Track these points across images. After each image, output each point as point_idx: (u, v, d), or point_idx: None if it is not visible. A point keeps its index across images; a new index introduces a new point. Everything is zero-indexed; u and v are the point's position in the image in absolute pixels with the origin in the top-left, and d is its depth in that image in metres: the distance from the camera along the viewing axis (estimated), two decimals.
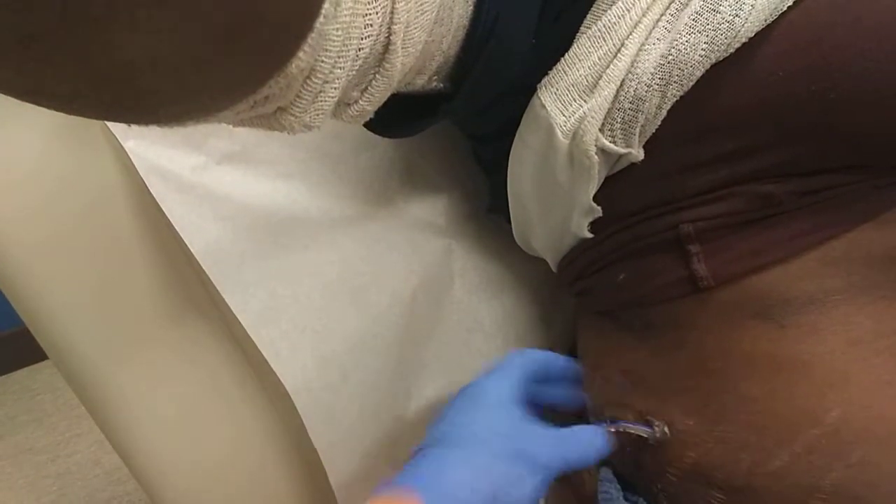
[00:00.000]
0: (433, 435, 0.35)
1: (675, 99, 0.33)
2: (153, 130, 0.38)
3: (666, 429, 0.39)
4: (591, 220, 0.39)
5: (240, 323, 0.39)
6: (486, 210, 0.53)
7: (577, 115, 0.35)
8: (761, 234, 0.35)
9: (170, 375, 0.43)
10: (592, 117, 0.34)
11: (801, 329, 0.34)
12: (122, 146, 0.37)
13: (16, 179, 0.37)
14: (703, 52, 0.32)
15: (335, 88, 0.24)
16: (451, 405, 0.37)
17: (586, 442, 0.38)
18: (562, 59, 0.36)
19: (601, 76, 0.34)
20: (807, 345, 0.34)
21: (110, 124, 0.37)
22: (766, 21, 0.31)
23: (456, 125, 0.48)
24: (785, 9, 0.31)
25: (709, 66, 0.32)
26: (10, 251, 0.37)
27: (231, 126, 0.40)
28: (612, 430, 0.40)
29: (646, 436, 0.39)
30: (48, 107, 0.19)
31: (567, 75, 0.35)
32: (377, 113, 0.30)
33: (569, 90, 0.35)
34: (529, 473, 0.34)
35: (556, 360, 0.43)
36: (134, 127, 0.37)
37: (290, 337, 0.41)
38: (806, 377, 0.34)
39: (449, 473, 0.32)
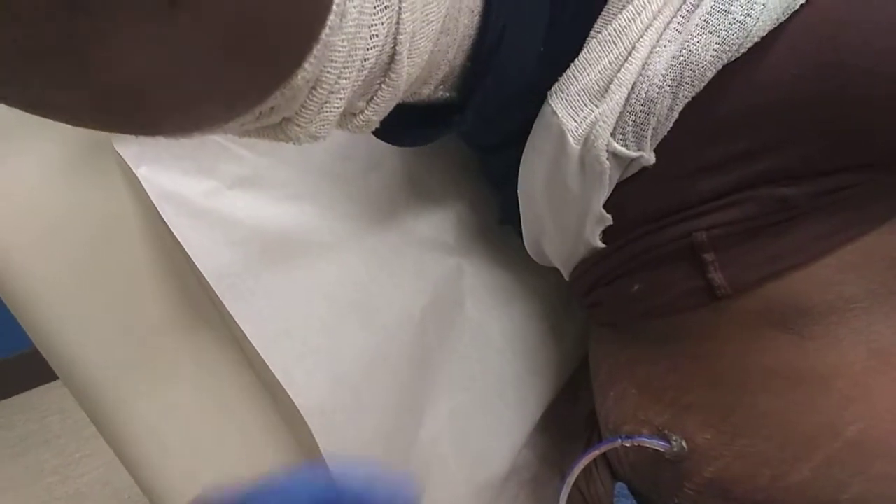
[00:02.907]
0: None
1: (686, 100, 0.33)
2: (165, 156, 0.38)
3: (683, 443, 0.39)
4: (602, 228, 0.39)
5: (252, 345, 0.39)
6: (498, 222, 0.53)
7: (588, 120, 0.35)
8: (777, 239, 0.34)
9: (181, 395, 0.43)
10: (604, 122, 0.34)
11: (821, 341, 0.34)
12: (133, 172, 0.37)
13: (29, 204, 0.37)
14: (715, 53, 0.32)
15: (340, 99, 0.24)
16: None
17: None
18: (572, 64, 0.36)
19: (612, 80, 0.34)
20: (827, 357, 0.34)
21: (122, 150, 0.37)
22: (778, 20, 0.31)
23: (463, 138, 0.48)
24: (798, 7, 0.31)
25: (720, 67, 0.32)
26: (20, 274, 0.38)
27: (242, 151, 0.41)
28: (628, 444, 0.40)
29: (662, 450, 0.39)
30: (53, 119, 0.19)
31: (578, 80, 0.35)
32: (383, 122, 0.30)
33: (579, 95, 0.35)
34: None
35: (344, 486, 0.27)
36: (146, 153, 0.38)
37: (303, 359, 0.41)
38: (827, 390, 0.34)
39: None
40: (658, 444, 0.39)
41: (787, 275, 0.34)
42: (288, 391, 0.39)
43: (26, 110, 0.18)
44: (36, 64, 0.15)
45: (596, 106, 0.35)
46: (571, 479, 0.41)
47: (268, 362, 0.39)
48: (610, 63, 0.34)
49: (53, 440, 1.39)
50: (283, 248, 0.42)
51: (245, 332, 0.39)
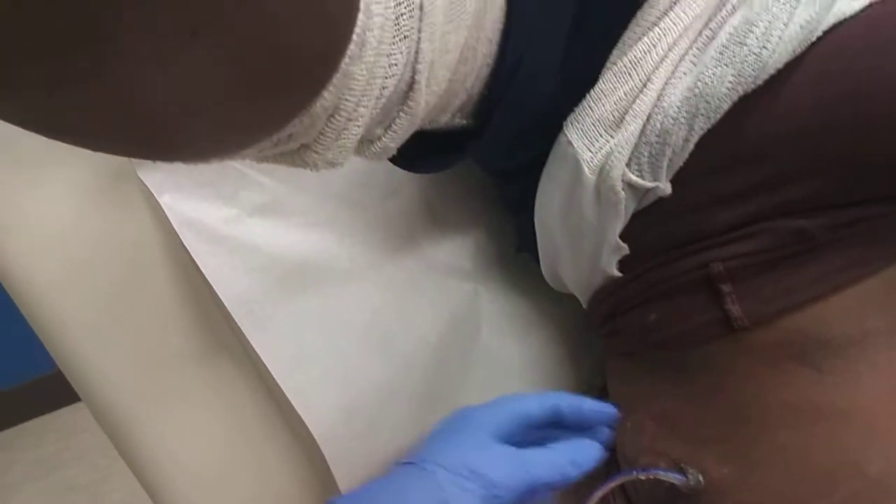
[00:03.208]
0: (409, 454, 0.38)
1: (702, 132, 0.33)
2: (187, 184, 0.39)
3: (700, 477, 0.38)
4: (618, 257, 0.39)
5: (269, 371, 0.39)
6: (515, 249, 0.53)
7: (603, 151, 0.35)
8: (795, 271, 0.34)
9: (200, 420, 0.44)
10: (619, 152, 0.34)
11: (841, 375, 0.33)
12: (156, 200, 0.38)
13: (52, 231, 0.39)
14: (731, 85, 0.32)
15: (358, 126, 0.25)
16: (437, 428, 0.39)
17: (556, 461, 0.38)
18: (588, 94, 0.36)
19: (627, 111, 0.34)
20: (848, 392, 0.33)
21: (145, 178, 0.39)
22: (794, 52, 0.31)
23: (480, 164, 0.49)
24: (815, 39, 0.31)
25: (736, 99, 0.32)
26: (45, 300, 0.39)
27: (262, 178, 0.42)
28: (644, 477, 0.40)
29: (679, 484, 0.38)
30: (72, 143, 0.19)
31: (593, 111, 0.36)
32: (401, 149, 0.30)
33: (595, 126, 0.35)
34: (479, 491, 0.35)
35: (581, 406, 0.41)
36: (168, 181, 0.39)
37: (319, 385, 0.41)
38: (846, 425, 0.33)
39: (397, 491, 0.35)
40: (674, 478, 0.38)
41: (805, 307, 0.34)
42: (303, 418, 0.40)
43: (44, 135, 0.18)
44: (59, 91, 0.16)
45: (611, 136, 0.35)
46: None
47: (284, 388, 0.39)
48: (625, 94, 0.34)
49: (85, 457, 1.41)
50: (301, 274, 0.42)
51: (262, 358, 0.39)
